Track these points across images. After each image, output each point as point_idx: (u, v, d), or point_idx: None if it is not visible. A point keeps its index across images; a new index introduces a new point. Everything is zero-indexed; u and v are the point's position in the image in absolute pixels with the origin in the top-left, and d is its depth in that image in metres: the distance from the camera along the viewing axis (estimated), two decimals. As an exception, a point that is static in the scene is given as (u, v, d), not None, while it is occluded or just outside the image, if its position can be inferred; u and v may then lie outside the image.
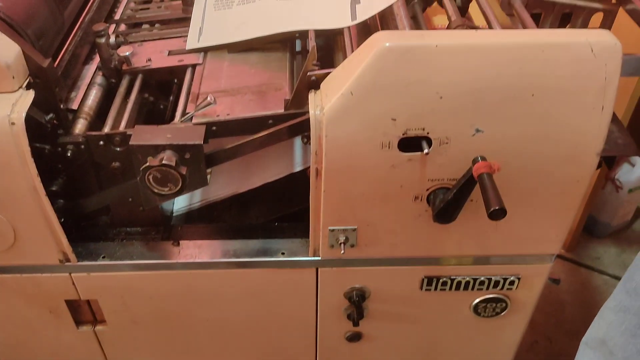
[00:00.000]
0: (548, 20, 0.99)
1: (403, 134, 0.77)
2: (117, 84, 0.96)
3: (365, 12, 0.89)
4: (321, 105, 0.77)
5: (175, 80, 1.04)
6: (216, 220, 1.07)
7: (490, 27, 0.89)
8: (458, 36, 0.75)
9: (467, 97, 0.74)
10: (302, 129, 0.81)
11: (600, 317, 0.91)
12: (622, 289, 0.86)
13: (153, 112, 1.03)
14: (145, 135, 0.80)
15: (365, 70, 0.72)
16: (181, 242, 0.96)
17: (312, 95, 0.80)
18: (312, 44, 0.86)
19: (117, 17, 1.11)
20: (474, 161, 0.76)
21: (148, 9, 1.13)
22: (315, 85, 0.81)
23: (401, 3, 0.88)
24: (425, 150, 0.77)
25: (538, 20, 1.01)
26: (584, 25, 1.00)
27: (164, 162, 0.76)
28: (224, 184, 1.06)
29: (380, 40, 0.72)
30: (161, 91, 1.05)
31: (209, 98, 0.84)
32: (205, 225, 1.01)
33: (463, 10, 0.92)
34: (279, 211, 1.05)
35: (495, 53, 0.72)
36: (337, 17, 0.91)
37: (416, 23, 0.95)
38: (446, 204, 0.80)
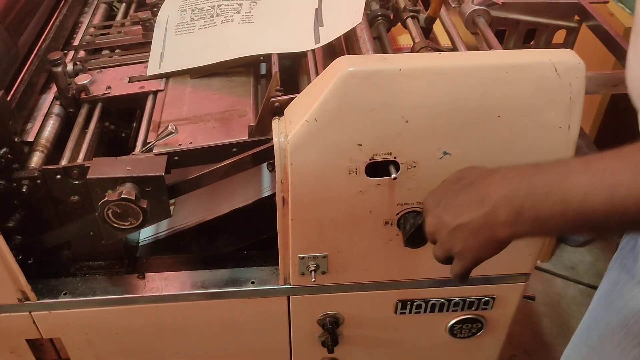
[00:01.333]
0: (512, 37, 0.99)
1: (370, 159, 0.75)
2: (76, 113, 0.93)
3: (329, 35, 0.88)
4: (285, 132, 0.75)
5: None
6: (184, 249, 1.03)
7: (454, 47, 0.89)
8: (421, 59, 0.74)
9: (433, 120, 0.73)
10: (267, 156, 0.78)
11: None
12: (586, 342, 0.85)
13: (115, 141, 1.00)
14: (103, 168, 0.77)
15: (328, 96, 0.71)
16: (147, 274, 0.93)
17: (275, 122, 0.78)
18: (274, 69, 0.84)
19: (75, 43, 1.08)
20: (443, 184, 0.75)
21: (108, 34, 1.10)
22: (279, 111, 0.79)
23: (364, 25, 0.87)
24: (393, 175, 0.76)
25: (503, 38, 1.01)
26: (548, 41, 1.01)
27: (123, 196, 0.73)
28: (191, 211, 1.03)
29: (343, 65, 0.70)
30: (123, 119, 1.02)
31: (170, 127, 0.81)
32: (171, 256, 0.97)
33: (427, 31, 0.91)
34: (249, 238, 1.02)
35: (459, 75, 0.71)
36: (301, 41, 0.90)
37: (381, 44, 0.94)
38: (416, 229, 0.78)
